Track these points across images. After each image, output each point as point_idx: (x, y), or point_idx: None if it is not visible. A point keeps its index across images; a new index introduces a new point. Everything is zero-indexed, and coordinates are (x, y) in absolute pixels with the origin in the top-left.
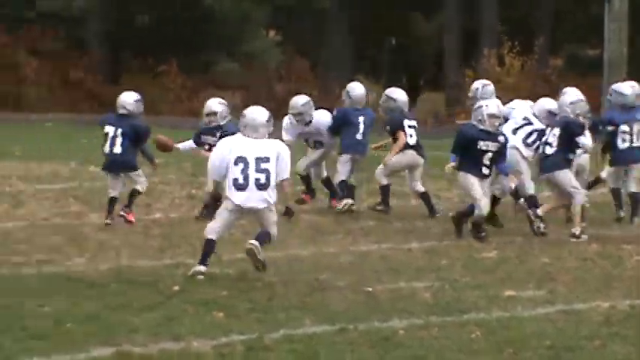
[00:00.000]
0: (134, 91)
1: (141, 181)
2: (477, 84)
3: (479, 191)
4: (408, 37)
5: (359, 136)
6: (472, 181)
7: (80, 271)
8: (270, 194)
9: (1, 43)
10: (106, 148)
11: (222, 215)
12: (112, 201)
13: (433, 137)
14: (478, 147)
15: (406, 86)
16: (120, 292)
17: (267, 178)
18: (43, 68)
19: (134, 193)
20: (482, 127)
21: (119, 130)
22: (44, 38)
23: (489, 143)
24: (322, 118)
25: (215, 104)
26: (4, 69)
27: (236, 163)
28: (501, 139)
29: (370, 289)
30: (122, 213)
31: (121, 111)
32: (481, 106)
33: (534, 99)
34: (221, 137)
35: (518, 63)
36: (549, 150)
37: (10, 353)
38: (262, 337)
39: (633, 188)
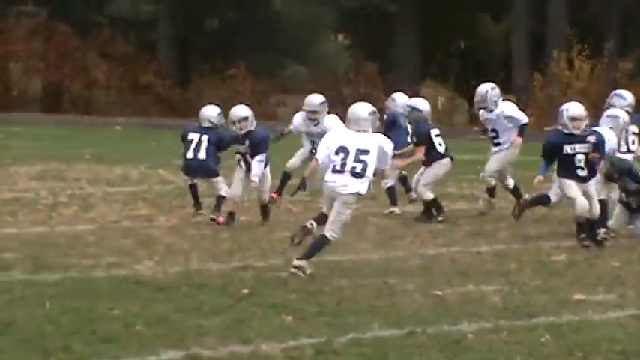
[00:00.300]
0: (212, 101)
1: (222, 187)
2: (485, 87)
3: (574, 190)
4: (476, 39)
5: (408, 139)
6: (569, 183)
7: (149, 274)
8: (361, 185)
9: (72, 47)
10: (190, 154)
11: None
12: (192, 188)
13: None
14: (564, 152)
15: (473, 89)
16: (189, 295)
17: (364, 169)
18: (113, 72)
19: (219, 200)
20: (566, 131)
21: (204, 137)
22: (114, 42)
23: (576, 146)
24: (331, 122)
25: (244, 110)
26: (74, 72)
27: (337, 153)
28: (591, 139)
29: (439, 293)
30: (212, 216)
31: (205, 124)
32: (562, 110)
33: (603, 103)
34: (252, 144)
35: (587, 66)
36: None
37: (80, 356)
38: (331, 340)
39: None
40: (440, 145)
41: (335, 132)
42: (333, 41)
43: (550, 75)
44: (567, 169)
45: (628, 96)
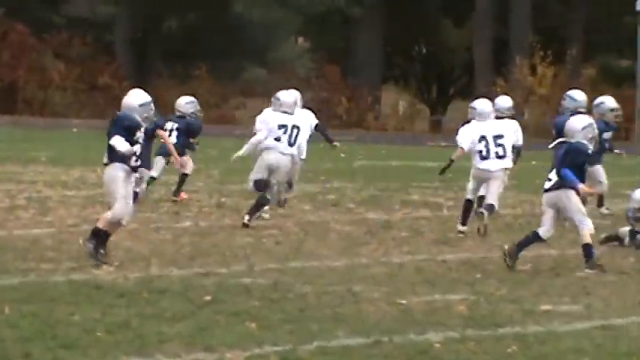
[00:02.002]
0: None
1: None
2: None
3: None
4: (438, 45)
5: None
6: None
7: (109, 280)
8: (507, 162)
9: (27, 47)
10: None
11: (471, 182)
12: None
13: None
14: None
15: (436, 95)
16: (150, 301)
17: (504, 150)
18: (70, 73)
19: (183, 178)
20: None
21: (175, 125)
22: (71, 43)
23: None
24: (305, 117)
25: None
26: (29, 72)
27: (480, 141)
28: None
29: (404, 302)
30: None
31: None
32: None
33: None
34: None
35: (550, 72)
36: None
37: None
38: (295, 348)
39: None
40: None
41: (471, 126)
42: (293, 44)
43: (512, 81)
44: None
45: (579, 96)
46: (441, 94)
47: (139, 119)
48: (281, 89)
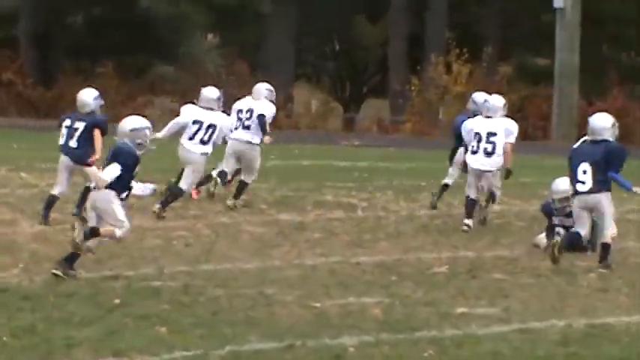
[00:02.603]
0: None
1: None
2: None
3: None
4: (352, 42)
5: None
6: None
7: (15, 283)
8: (496, 161)
9: None
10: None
11: (469, 180)
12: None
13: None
14: None
15: (349, 93)
16: (57, 305)
17: (494, 149)
18: None
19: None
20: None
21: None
22: None
23: None
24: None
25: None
26: None
27: (474, 137)
28: None
29: (318, 305)
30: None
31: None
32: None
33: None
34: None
35: (466, 70)
36: None
37: None
38: (207, 353)
39: None
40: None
41: (470, 121)
42: (202, 40)
43: (428, 79)
44: None
45: (478, 98)
46: (354, 91)
47: (134, 150)
48: (190, 86)
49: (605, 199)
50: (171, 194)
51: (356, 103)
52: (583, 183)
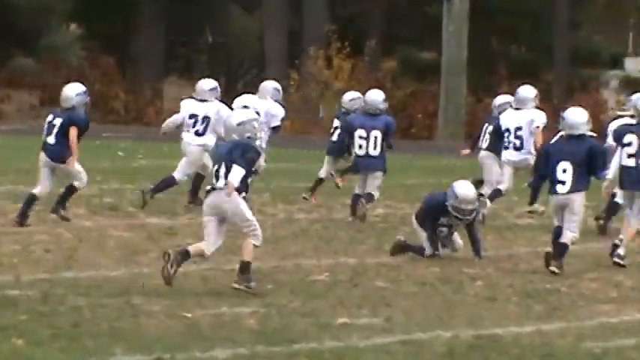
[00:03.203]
0: None
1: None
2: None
3: None
4: (226, 33)
5: None
6: None
7: None
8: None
9: None
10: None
11: (505, 175)
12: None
13: None
14: None
15: (224, 88)
16: None
17: (521, 143)
18: None
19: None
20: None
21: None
22: None
23: None
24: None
25: None
26: None
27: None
28: None
29: (189, 315)
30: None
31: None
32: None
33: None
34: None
35: (347, 65)
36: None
37: None
38: None
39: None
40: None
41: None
42: (66, 30)
43: (307, 74)
44: None
45: (369, 97)
46: (229, 87)
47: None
48: (51, 80)
49: (581, 200)
50: (163, 182)
51: (229, 99)
52: (563, 183)
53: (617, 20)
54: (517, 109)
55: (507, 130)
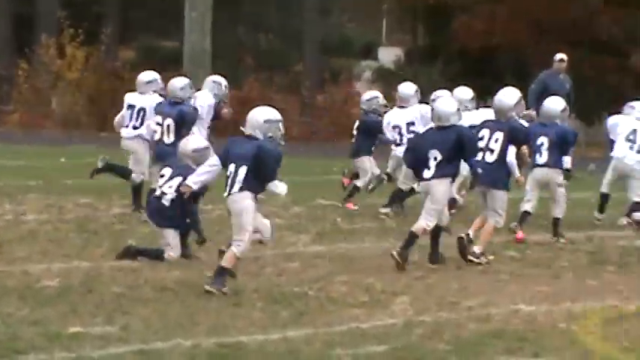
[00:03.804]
0: None
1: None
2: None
3: None
4: None
5: None
6: None
7: None
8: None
9: None
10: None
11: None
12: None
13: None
14: None
15: None
16: None
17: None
18: None
19: None
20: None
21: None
22: None
23: None
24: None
25: None
26: None
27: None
28: None
29: None
30: None
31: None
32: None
33: (102, 96)
34: None
35: (82, 54)
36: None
37: None
38: None
39: None
40: None
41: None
42: None
43: (38, 64)
44: None
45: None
46: None
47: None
48: None
49: (444, 188)
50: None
51: None
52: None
53: (371, 7)
54: (401, 107)
55: (398, 126)
